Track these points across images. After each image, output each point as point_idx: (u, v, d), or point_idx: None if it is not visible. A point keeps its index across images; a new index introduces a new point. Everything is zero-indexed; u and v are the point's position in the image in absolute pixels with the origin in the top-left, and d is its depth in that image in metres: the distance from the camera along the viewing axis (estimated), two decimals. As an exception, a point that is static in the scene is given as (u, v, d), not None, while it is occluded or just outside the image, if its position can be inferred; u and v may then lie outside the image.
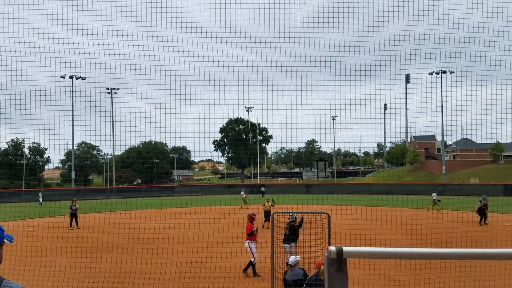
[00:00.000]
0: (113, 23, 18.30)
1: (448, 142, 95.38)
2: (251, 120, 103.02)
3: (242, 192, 44.70)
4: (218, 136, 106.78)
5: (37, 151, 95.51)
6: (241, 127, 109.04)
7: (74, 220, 26.64)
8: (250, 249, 14.16)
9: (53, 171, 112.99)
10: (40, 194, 51.02)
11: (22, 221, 28.78)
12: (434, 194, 36.14)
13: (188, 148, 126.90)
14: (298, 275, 9.53)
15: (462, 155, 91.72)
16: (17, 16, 18.76)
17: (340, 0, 19.18)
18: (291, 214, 14.13)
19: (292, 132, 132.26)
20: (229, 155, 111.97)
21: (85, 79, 52.19)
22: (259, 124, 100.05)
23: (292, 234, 13.64)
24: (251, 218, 14.83)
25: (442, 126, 68.14)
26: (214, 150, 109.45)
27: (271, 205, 26.78)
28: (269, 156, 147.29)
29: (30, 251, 15.77)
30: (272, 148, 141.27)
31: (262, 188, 62.51)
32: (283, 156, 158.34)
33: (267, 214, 25.81)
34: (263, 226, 25.29)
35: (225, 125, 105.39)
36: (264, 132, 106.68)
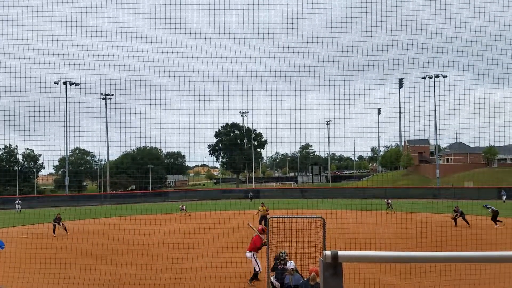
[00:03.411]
0: (107, 29, 18.32)
1: (442, 146, 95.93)
2: (246, 125, 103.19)
3: (181, 205, 40.23)
4: (213, 141, 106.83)
5: (31, 157, 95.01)
6: (236, 132, 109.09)
7: (57, 227, 26.09)
8: None
9: (47, 178, 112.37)
10: (17, 201, 48.04)
11: (16, 228, 28.56)
12: (388, 201, 38.34)
13: (183, 153, 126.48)
14: (299, 281, 10.03)
15: (456, 159, 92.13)
16: (11, 22, 18.73)
17: (333, 5, 19.33)
18: (283, 252, 11.93)
19: (286, 137, 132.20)
20: (224, 160, 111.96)
21: (79, 85, 52.07)
22: (254, 130, 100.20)
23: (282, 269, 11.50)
24: None
25: (436, 130, 68.56)
26: (209, 155, 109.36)
27: (259, 210, 28.10)
28: (264, 160, 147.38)
29: (24, 257, 15.67)
30: (267, 152, 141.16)
31: (250, 194, 62.44)
32: (277, 160, 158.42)
33: (262, 219, 26.55)
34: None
35: (220, 129, 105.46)
36: (259, 138, 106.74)
